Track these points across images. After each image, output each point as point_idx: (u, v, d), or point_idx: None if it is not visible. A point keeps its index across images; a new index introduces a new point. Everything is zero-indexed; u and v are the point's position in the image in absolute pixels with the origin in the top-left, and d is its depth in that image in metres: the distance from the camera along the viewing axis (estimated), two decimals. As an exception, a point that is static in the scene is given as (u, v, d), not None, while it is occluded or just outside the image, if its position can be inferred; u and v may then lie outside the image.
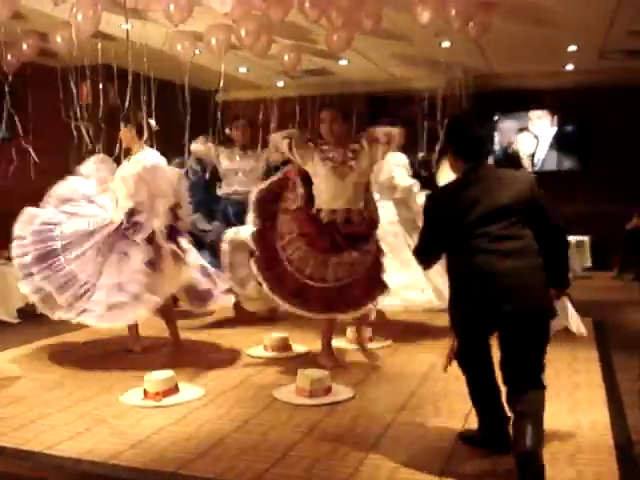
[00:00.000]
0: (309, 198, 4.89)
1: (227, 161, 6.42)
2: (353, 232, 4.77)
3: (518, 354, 3.14)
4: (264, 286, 4.86)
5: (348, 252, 4.74)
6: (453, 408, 3.95)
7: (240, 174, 6.37)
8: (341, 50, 6.10)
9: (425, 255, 3.45)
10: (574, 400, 4.14)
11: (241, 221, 5.49)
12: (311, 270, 4.75)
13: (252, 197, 5.03)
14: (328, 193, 4.80)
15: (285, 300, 4.81)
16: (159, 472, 3.24)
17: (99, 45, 5.70)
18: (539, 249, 3.15)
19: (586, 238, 9.67)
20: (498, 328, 3.19)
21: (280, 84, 9.87)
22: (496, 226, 3.12)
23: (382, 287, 4.93)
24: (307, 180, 4.91)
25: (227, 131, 6.56)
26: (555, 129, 10.16)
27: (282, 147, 4.97)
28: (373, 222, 4.95)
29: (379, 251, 4.97)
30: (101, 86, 6.14)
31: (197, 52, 6.93)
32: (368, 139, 4.85)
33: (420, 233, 3.46)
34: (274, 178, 5.13)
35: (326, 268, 4.74)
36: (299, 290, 4.78)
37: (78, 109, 6.41)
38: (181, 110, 6.21)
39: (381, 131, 4.90)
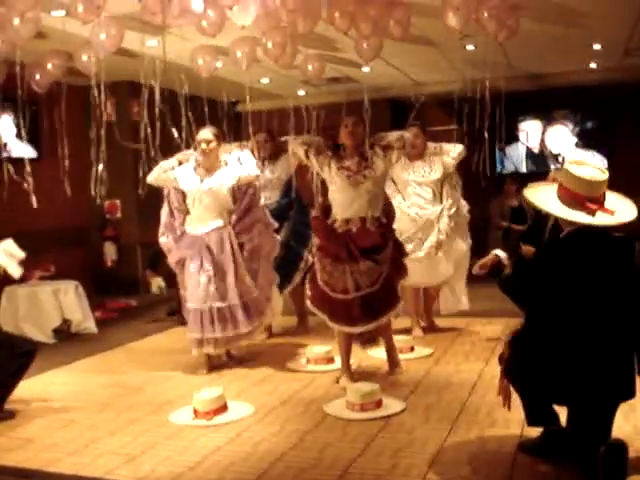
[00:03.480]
0: (326, 207, 4.91)
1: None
2: (367, 244, 4.73)
3: None
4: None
5: (363, 262, 4.71)
6: (508, 417, 3.84)
7: (266, 185, 6.31)
8: (371, 58, 6.03)
9: None
10: (630, 405, 4.04)
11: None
12: (334, 283, 4.75)
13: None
14: (343, 202, 4.79)
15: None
16: (222, 494, 3.22)
17: (124, 63, 5.66)
18: None
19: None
20: None
21: (301, 93, 9.84)
22: None
23: (397, 298, 4.86)
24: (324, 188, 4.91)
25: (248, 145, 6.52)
26: (578, 128, 10.08)
27: (300, 153, 4.96)
28: (389, 229, 4.90)
29: (396, 255, 4.90)
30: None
31: (219, 65, 6.90)
32: (382, 146, 4.82)
33: None
34: None
35: (345, 278, 4.71)
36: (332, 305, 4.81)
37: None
38: (203, 122, 6.16)
39: (393, 136, 4.86)
